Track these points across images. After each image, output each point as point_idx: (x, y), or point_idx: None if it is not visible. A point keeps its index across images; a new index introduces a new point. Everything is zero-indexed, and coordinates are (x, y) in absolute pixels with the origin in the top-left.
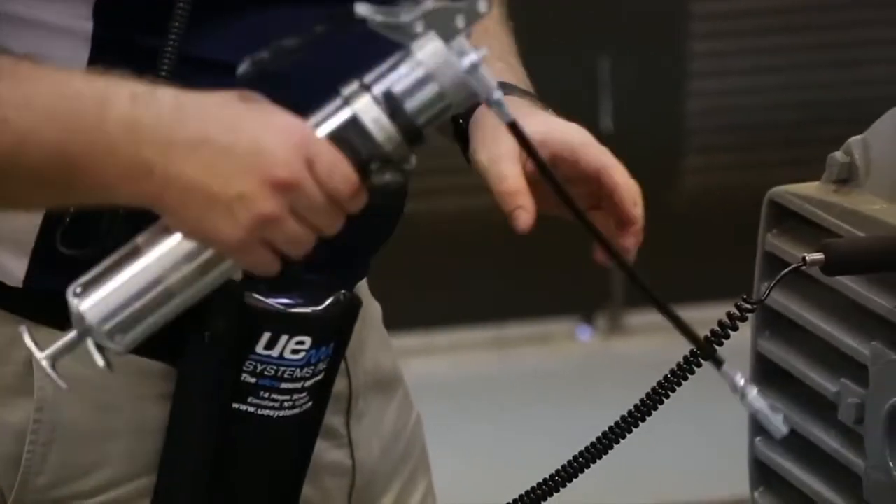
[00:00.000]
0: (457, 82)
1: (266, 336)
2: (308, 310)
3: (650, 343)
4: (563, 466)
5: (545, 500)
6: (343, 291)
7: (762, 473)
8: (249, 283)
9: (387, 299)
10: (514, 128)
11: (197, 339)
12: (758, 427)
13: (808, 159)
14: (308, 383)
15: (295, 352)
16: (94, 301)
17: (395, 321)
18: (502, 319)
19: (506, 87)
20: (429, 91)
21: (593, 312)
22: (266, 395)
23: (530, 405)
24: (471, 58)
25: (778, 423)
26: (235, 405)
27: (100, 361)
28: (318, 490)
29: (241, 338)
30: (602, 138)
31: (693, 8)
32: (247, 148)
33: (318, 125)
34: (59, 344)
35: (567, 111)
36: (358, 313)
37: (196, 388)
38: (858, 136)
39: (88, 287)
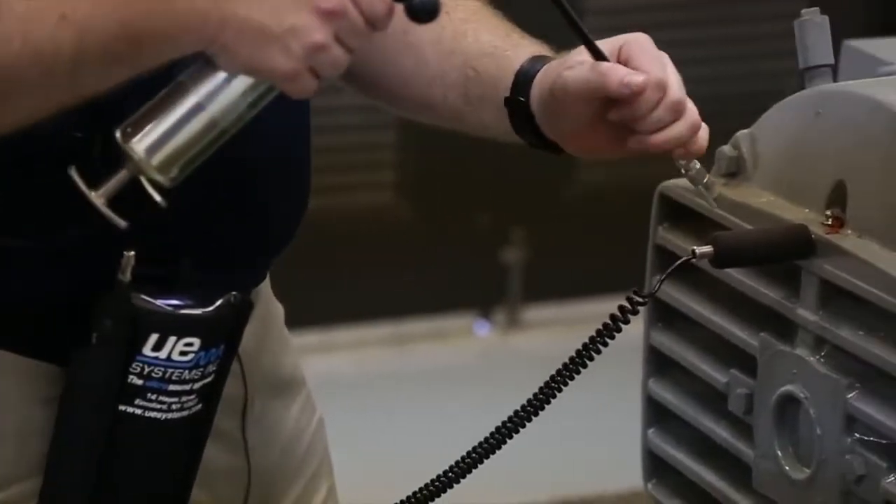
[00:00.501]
0: None
1: (154, 337)
2: (197, 311)
3: (548, 337)
4: (456, 462)
5: (438, 496)
6: (234, 293)
7: (655, 465)
8: (138, 284)
9: (285, 297)
10: None
11: (84, 341)
12: (650, 419)
13: None
14: (197, 385)
15: (183, 353)
16: (142, 135)
17: (294, 319)
18: (400, 316)
19: (545, 59)
20: None
21: (491, 307)
22: (153, 397)
23: (430, 401)
24: None
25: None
26: (122, 407)
27: (157, 196)
28: (212, 494)
29: (128, 339)
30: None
31: (586, 3)
32: None
33: None
34: (110, 182)
35: None
36: (249, 315)
37: (83, 389)
38: (746, 131)
39: (136, 125)
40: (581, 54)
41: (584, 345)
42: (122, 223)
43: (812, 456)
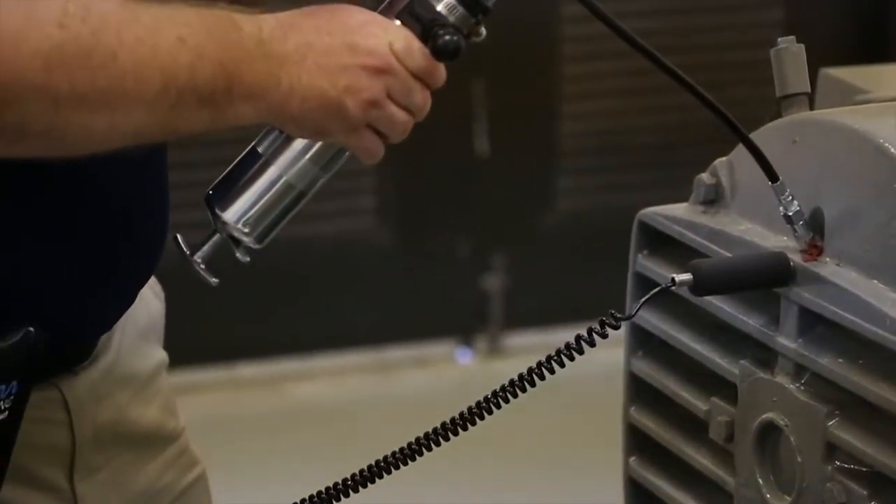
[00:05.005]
0: None
1: None
2: None
3: (529, 364)
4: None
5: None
6: (31, 329)
7: (637, 493)
8: None
9: (264, 324)
10: None
11: None
12: (631, 446)
13: (677, 180)
14: None
15: None
16: (232, 204)
17: (275, 346)
18: (382, 343)
19: None
20: None
21: (472, 334)
22: None
23: (412, 428)
24: None
25: None
26: None
27: (244, 258)
28: None
29: None
30: (479, 161)
31: (564, 30)
32: (341, 46)
33: (385, 11)
34: (206, 246)
35: (442, 134)
36: (43, 353)
37: None
38: (724, 158)
39: (227, 196)
40: None
41: (558, 350)
42: (214, 281)
43: (793, 484)
